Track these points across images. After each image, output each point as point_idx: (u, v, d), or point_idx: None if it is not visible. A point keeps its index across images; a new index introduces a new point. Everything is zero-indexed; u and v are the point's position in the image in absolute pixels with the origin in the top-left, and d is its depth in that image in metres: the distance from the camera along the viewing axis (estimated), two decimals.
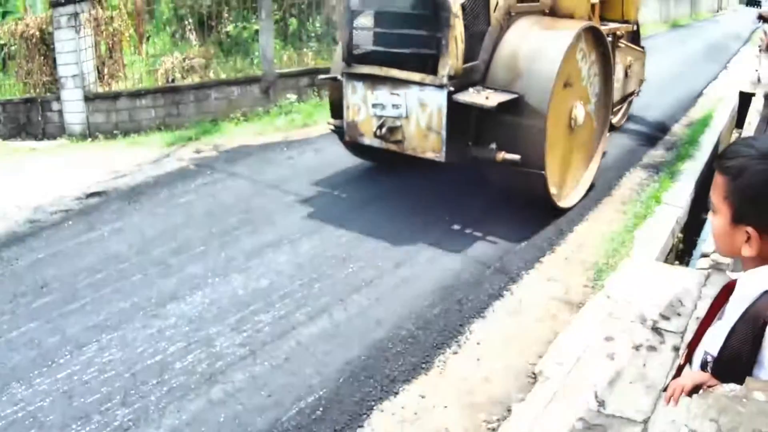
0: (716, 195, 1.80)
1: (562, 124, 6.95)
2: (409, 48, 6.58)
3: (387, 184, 7.88)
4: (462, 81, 6.45)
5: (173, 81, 10.99)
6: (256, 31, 12.04)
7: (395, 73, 6.58)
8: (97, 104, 10.55)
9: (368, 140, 6.96)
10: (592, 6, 8.29)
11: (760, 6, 64.92)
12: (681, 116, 11.90)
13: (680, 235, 7.47)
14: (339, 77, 7.12)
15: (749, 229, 1.73)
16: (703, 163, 9.06)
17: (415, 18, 6.62)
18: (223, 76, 11.46)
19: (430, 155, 6.60)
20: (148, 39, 13.09)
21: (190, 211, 7.20)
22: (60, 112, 10.67)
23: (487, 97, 6.34)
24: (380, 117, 6.75)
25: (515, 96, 6.40)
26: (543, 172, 6.50)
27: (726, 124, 11.67)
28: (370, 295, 5.39)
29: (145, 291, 5.47)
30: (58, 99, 10.64)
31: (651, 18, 26.25)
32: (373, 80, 6.76)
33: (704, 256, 6.26)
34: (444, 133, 6.42)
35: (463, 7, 6.38)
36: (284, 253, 6.12)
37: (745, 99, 13.21)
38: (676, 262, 7.11)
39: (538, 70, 6.49)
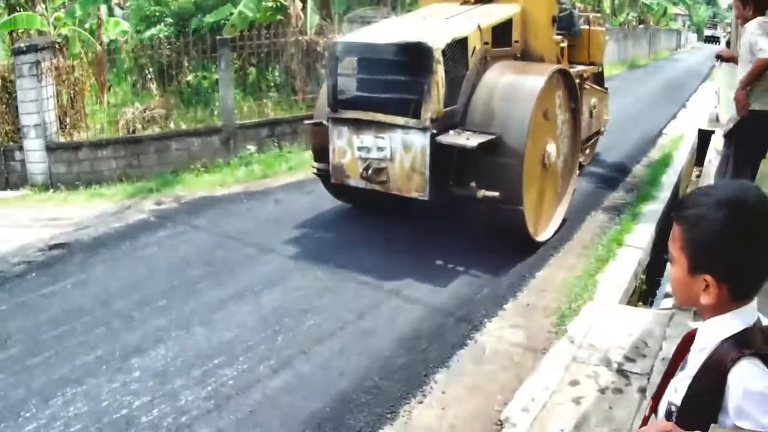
0: (674, 245, 1.80)
1: (536, 162, 7.40)
2: (392, 93, 7.00)
3: (348, 233, 7.99)
4: (443, 124, 6.87)
5: (134, 131, 11.10)
6: (216, 81, 12.19)
7: (380, 117, 7.00)
8: (59, 154, 10.60)
9: (354, 182, 7.34)
10: (561, 49, 8.86)
11: (719, 42, 66.80)
12: (641, 157, 12.22)
13: (643, 276, 7.55)
14: (324, 122, 7.47)
15: (707, 277, 1.72)
16: (664, 203, 9.24)
17: (398, 64, 7.00)
18: (183, 126, 11.58)
19: (414, 194, 7.01)
20: (109, 88, 13.19)
21: (152, 263, 7.23)
22: (23, 161, 10.68)
23: (467, 138, 6.78)
24: (365, 159, 7.12)
25: (493, 136, 6.81)
26: (521, 207, 6.94)
27: (686, 163, 11.94)
28: (333, 347, 5.45)
29: (109, 344, 5.48)
30: (20, 148, 10.67)
31: (609, 59, 26.97)
32: (358, 124, 7.16)
33: (668, 296, 6.38)
34: (427, 173, 6.82)
35: (444, 53, 6.80)
36: (247, 305, 6.17)
37: (704, 137, 13.52)
38: (640, 304, 7.23)
39: (514, 111, 6.95)
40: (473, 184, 6.91)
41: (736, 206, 1.69)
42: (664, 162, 11.68)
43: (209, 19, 14.24)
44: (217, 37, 12.06)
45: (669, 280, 2.03)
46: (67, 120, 10.97)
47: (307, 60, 13.60)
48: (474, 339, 5.65)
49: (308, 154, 11.03)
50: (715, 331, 1.75)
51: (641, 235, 8.01)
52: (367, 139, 7.10)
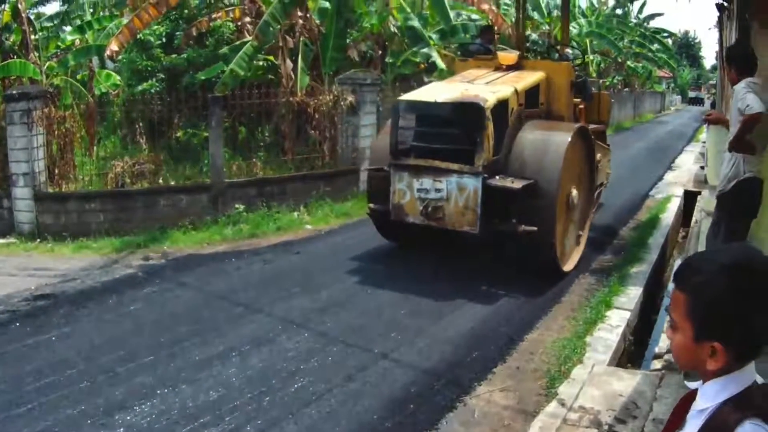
0: (677, 312, 1.75)
1: (564, 203, 8.73)
2: (447, 143, 8.54)
3: (336, 295, 8.02)
4: (490, 170, 8.29)
5: (123, 185, 11.14)
6: (206, 138, 12.30)
7: (437, 163, 8.44)
8: (47, 204, 10.61)
9: (412, 218, 8.69)
10: (578, 110, 10.53)
11: (703, 104, 67.88)
12: (629, 219, 12.42)
13: (631, 337, 7.59)
14: (386, 168, 8.83)
15: (715, 344, 1.67)
16: (651, 265, 9.36)
17: (454, 119, 8.59)
18: (172, 182, 11.64)
19: (466, 229, 8.43)
20: (99, 141, 13.24)
21: (138, 319, 7.23)
22: (10, 209, 10.69)
23: (512, 182, 8.21)
24: (424, 199, 8.48)
25: (532, 181, 8.20)
26: (554, 240, 8.36)
27: (672, 224, 12.09)
28: (321, 409, 5.42)
29: (93, 398, 5.44)
30: (8, 196, 10.68)
31: None
32: (417, 170, 8.57)
33: (657, 357, 6.41)
34: (479, 210, 8.22)
35: (492, 112, 8.27)
36: (234, 365, 6.14)
37: (690, 198, 13.84)
38: (629, 365, 7.19)
39: (547, 161, 8.40)
40: (514, 220, 8.27)
41: (741, 271, 1.67)
42: (651, 224, 11.90)
43: (201, 76, 14.44)
44: (209, 95, 12.20)
45: (671, 346, 1.85)
46: (56, 170, 11.00)
47: (297, 121, 13.74)
48: (463, 402, 5.64)
49: (296, 215, 11.30)
50: (715, 393, 1.73)
51: (629, 297, 8.11)
52: (427, 182, 8.47)
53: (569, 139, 8.60)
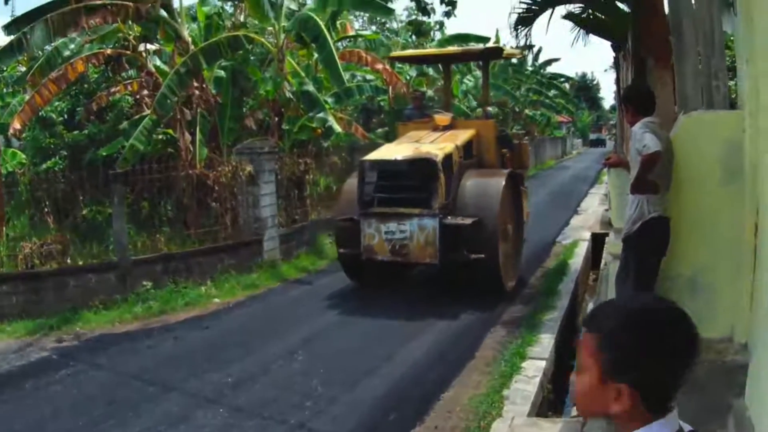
0: (585, 353, 1.77)
1: (502, 234, 10.81)
2: (407, 192, 10.59)
3: (248, 369, 8.15)
4: (444, 211, 10.39)
5: (32, 267, 11.25)
6: (111, 215, 12.32)
7: (401, 209, 10.53)
8: None
9: (381, 256, 10.68)
10: (504, 158, 12.58)
11: (605, 145, 69.21)
12: (536, 268, 13.14)
13: (549, 386, 7.72)
14: (355, 217, 10.79)
15: (622, 386, 1.69)
16: (563, 311, 9.88)
17: (411, 173, 10.70)
18: (80, 262, 11.73)
19: (428, 261, 10.58)
20: (8, 221, 13.24)
21: (56, 402, 7.34)
22: None
23: (462, 220, 10.33)
24: (391, 240, 10.47)
25: (477, 218, 10.29)
26: (498, 264, 10.46)
27: (582, 269, 12.76)
28: None
29: None
30: None
31: None
32: (383, 216, 10.60)
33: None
34: (438, 245, 10.25)
35: (442, 165, 10.45)
36: None
37: (598, 240, 14.55)
38: (550, 413, 7.42)
39: (488, 201, 10.61)
40: (465, 251, 10.22)
41: (646, 320, 1.71)
42: (560, 270, 12.62)
43: (102, 152, 14.47)
44: (110, 172, 12.34)
45: (574, 390, 1.91)
46: None
47: (198, 194, 13.85)
48: None
49: (203, 289, 11.64)
50: None
51: (543, 346, 8.38)
52: (392, 225, 10.46)
53: (503, 183, 10.87)
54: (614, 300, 2.02)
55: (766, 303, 4.75)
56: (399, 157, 10.80)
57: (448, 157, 10.83)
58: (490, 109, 16.46)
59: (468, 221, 10.25)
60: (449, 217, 10.43)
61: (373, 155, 11.40)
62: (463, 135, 11.98)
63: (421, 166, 10.55)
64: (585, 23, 12.75)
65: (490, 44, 29.63)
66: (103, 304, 11.01)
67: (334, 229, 12.10)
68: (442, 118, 12.67)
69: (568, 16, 12.08)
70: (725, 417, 4.79)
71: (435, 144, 11.35)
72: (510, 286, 11.20)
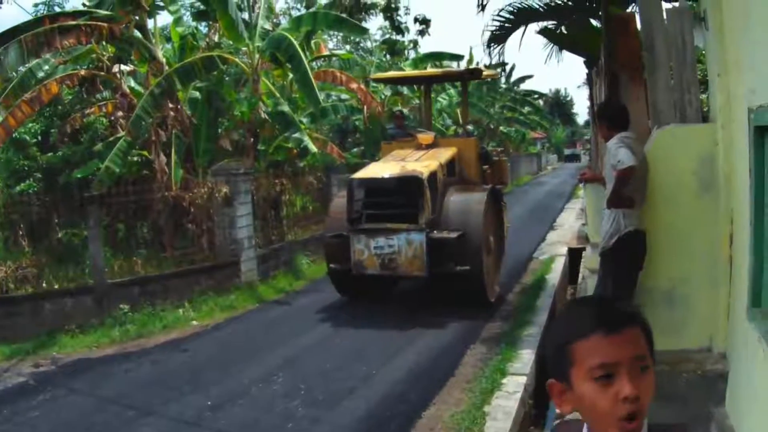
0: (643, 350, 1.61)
1: (486, 247, 11.17)
2: (395, 209, 10.93)
3: (229, 390, 8.08)
4: (429, 226, 10.73)
5: (7, 291, 11.12)
6: (86, 238, 12.22)
7: (390, 225, 10.83)
8: None
9: (371, 270, 10.96)
10: (484, 174, 13.19)
11: (579, 160, 69.82)
12: (514, 284, 13.15)
13: (531, 401, 7.71)
14: (345, 233, 11.11)
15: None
16: (542, 327, 9.80)
17: (398, 190, 11.09)
18: (56, 285, 11.59)
19: (416, 274, 10.82)
20: None
21: (35, 429, 7.27)
22: None
23: (448, 234, 10.71)
24: (380, 255, 10.77)
25: (462, 232, 10.67)
26: (482, 275, 10.84)
27: (559, 284, 12.83)
28: None
29: None
30: None
31: None
32: (372, 232, 10.89)
33: (558, 417, 6.68)
34: (425, 258, 10.58)
35: (428, 181, 10.86)
36: None
37: (574, 255, 14.64)
38: (532, 428, 7.50)
39: (472, 217, 10.98)
40: (451, 263, 10.60)
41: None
42: (538, 285, 12.70)
43: (77, 174, 14.37)
44: (85, 194, 12.26)
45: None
46: None
47: (174, 215, 13.83)
48: None
49: (181, 311, 11.58)
50: None
51: (523, 362, 8.38)
52: (381, 240, 10.78)
53: (485, 198, 11.36)
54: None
55: (743, 312, 4.81)
56: (386, 175, 11.30)
57: (432, 174, 11.28)
58: (470, 127, 17.02)
59: (453, 235, 10.66)
60: (435, 232, 10.79)
61: (361, 173, 11.85)
62: (445, 153, 12.49)
63: (407, 183, 10.99)
64: (558, 39, 12.83)
65: (464, 62, 29.97)
66: (79, 327, 10.91)
67: (324, 245, 12.41)
68: (425, 137, 13.24)
69: (542, 32, 12.17)
70: (707, 425, 4.83)
71: (420, 162, 11.79)
72: (493, 296, 11.58)
